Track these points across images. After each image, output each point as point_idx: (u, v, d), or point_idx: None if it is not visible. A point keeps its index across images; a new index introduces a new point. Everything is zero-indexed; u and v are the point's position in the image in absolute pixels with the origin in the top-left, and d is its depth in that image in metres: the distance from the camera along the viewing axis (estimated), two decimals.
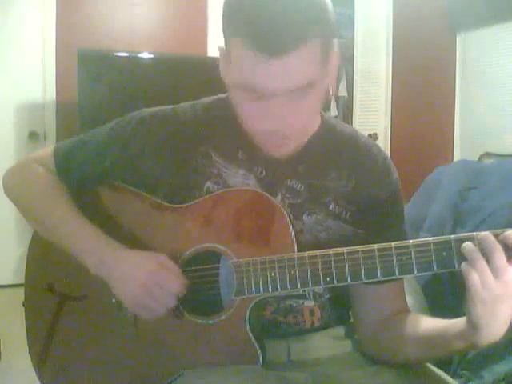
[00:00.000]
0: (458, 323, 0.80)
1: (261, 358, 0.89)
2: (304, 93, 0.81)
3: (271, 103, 0.81)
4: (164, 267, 0.89)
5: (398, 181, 0.99)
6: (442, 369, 0.99)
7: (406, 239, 0.95)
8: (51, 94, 3.56)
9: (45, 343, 1.04)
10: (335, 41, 0.87)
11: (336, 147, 0.98)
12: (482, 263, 0.75)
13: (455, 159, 3.85)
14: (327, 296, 0.98)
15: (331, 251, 0.84)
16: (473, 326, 0.77)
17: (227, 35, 0.83)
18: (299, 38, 0.77)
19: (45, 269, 1.06)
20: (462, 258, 0.78)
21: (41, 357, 1.04)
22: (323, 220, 0.94)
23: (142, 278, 0.88)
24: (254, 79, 0.80)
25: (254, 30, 0.77)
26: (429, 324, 0.88)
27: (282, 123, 0.83)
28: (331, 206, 0.95)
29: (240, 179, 0.95)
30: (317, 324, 0.98)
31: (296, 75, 0.79)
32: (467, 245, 0.77)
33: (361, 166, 0.97)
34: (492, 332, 0.77)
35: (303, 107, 0.84)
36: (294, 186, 0.95)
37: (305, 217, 0.94)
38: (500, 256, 0.75)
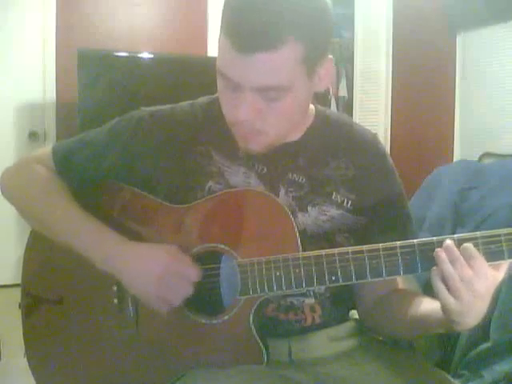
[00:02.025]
0: (438, 312, 0.81)
1: (266, 357, 0.89)
2: (277, 95, 0.83)
3: (242, 95, 0.83)
4: (177, 258, 0.89)
5: (393, 166, 1.02)
6: (441, 368, 1.00)
7: (410, 225, 0.99)
8: (51, 93, 3.56)
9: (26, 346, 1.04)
10: (329, 57, 0.88)
11: (332, 137, 0.99)
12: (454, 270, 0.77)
13: (455, 159, 3.85)
14: (327, 295, 0.98)
15: (336, 251, 0.84)
16: (449, 320, 0.78)
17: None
18: (272, 41, 0.78)
19: (38, 271, 1.05)
20: None
21: (28, 358, 1.03)
22: (327, 210, 0.95)
23: (157, 270, 0.88)
24: (226, 68, 0.83)
25: (232, 22, 0.81)
26: (414, 307, 0.90)
27: (252, 117, 0.85)
28: (333, 196, 0.96)
29: (241, 178, 0.95)
30: (317, 321, 0.98)
31: (263, 75, 0.81)
32: (437, 252, 0.78)
33: (357, 154, 0.99)
34: (470, 321, 0.78)
35: (276, 109, 0.85)
36: (296, 179, 0.96)
37: (309, 208, 0.95)
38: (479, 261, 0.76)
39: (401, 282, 1.00)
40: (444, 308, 0.78)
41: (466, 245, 0.77)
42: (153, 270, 0.88)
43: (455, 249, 0.77)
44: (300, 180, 0.96)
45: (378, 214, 0.97)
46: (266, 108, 0.85)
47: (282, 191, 0.95)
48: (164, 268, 0.88)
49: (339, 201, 0.96)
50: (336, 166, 0.97)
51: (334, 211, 0.95)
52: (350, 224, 0.96)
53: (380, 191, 0.98)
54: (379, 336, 1.03)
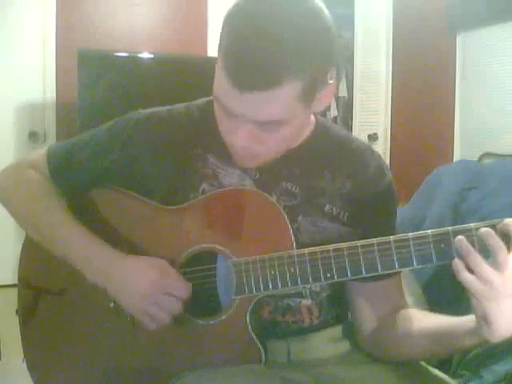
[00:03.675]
0: (467, 320, 0.79)
1: (264, 356, 0.89)
2: (275, 126, 0.82)
3: (239, 125, 0.82)
4: (166, 273, 0.88)
5: (391, 183, 0.99)
6: (441, 369, 0.99)
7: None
8: (51, 93, 3.55)
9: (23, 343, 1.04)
10: (330, 83, 0.85)
11: (329, 150, 0.98)
12: (475, 257, 0.74)
13: (455, 159, 3.85)
14: (324, 295, 0.98)
15: (330, 247, 0.84)
16: (482, 323, 0.75)
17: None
18: (269, 81, 0.76)
19: (39, 262, 1.05)
20: None
21: (27, 360, 1.03)
22: (319, 221, 0.94)
23: (145, 287, 0.87)
24: (224, 99, 0.81)
25: (230, 57, 0.78)
26: (435, 320, 0.88)
27: (248, 144, 0.84)
28: (327, 208, 0.95)
29: (236, 180, 0.95)
30: (315, 322, 0.98)
31: (259, 112, 0.79)
32: (458, 239, 0.76)
33: (354, 169, 0.97)
34: (504, 327, 0.74)
35: (272, 137, 0.84)
36: (289, 187, 0.95)
37: (300, 218, 0.94)
38: (503, 252, 0.73)
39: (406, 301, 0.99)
40: (477, 300, 0.74)
41: (506, 221, 0.75)
42: (140, 287, 0.87)
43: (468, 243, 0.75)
44: (293, 189, 0.95)
45: (372, 229, 0.94)
46: (262, 135, 0.83)
47: (274, 198, 0.94)
48: (152, 284, 0.87)
49: (334, 213, 0.95)
50: (331, 179, 0.96)
51: (326, 223, 0.94)
52: (343, 236, 0.93)
53: (377, 208, 0.97)
54: (387, 361, 0.96)
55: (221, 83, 0.80)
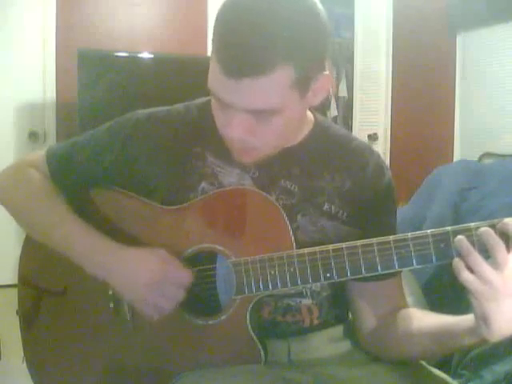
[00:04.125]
0: (467, 319, 0.79)
1: (263, 356, 0.89)
2: (269, 116, 0.82)
3: (233, 114, 0.83)
4: (166, 262, 0.89)
5: (391, 182, 0.99)
6: (441, 369, 0.99)
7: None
8: (51, 93, 3.56)
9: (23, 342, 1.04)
10: (325, 74, 0.85)
11: (328, 150, 0.98)
12: (476, 257, 0.74)
13: (455, 159, 3.86)
14: (325, 294, 0.98)
15: (330, 247, 0.84)
16: (481, 322, 0.75)
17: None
18: (259, 67, 0.76)
19: (39, 262, 1.05)
20: None
21: (27, 360, 1.03)
22: (317, 220, 0.94)
23: (147, 277, 0.87)
24: (216, 89, 0.82)
25: (222, 46, 0.79)
26: (435, 320, 0.88)
27: (243, 135, 0.84)
28: (325, 207, 0.95)
29: (235, 179, 0.95)
30: (315, 322, 0.98)
31: (252, 100, 0.80)
32: (459, 239, 0.76)
33: (354, 169, 0.97)
34: (503, 327, 0.74)
35: (268, 127, 0.84)
36: (288, 186, 0.95)
37: (299, 217, 0.94)
38: (503, 252, 0.73)
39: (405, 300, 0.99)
40: (476, 300, 0.74)
41: (505, 220, 0.74)
42: (142, 276, 0.87)
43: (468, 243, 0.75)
44: (292, 188, 0.95)
45: (372, 228, 0.94)
46: (257, 126, 0.84)
47: (273, 197, 0.93)
48: (153, 273, 0.87)
49: (333, 212, 0.95)
50: (330, 178, 0.96)
51: (324, 222, 0.94)
52: (342, 235, 0.93)
53: (377, 207, 0.96)
54: (387, 361, 0.96)
55: (214, 74, 0.81)
